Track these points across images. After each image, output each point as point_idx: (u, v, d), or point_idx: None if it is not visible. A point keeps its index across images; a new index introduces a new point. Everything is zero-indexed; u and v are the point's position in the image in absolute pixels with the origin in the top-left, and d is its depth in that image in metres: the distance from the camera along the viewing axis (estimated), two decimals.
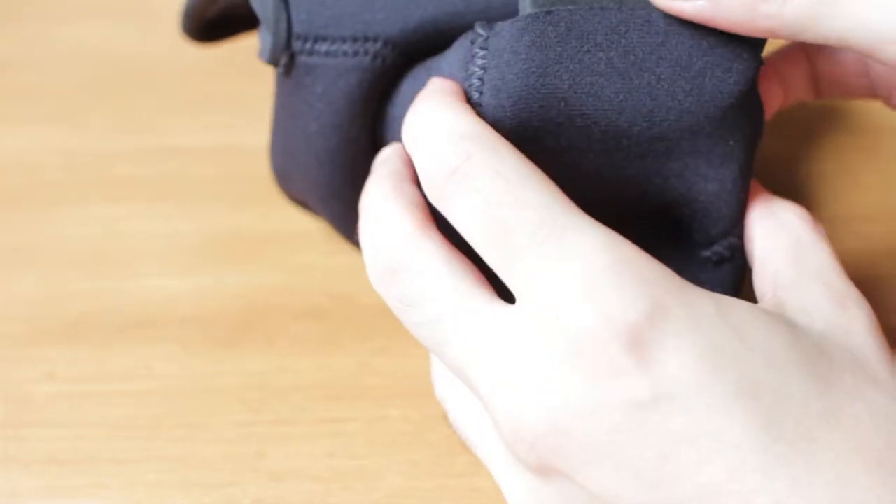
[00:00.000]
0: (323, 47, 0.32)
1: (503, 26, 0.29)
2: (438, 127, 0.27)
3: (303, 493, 0.33)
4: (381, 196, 0.29)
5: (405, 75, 0.33)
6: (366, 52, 0.32)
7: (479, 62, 0.29)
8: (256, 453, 0.34)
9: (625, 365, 0.24)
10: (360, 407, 0.35)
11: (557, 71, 0.28)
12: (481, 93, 0.28)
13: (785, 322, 0.26)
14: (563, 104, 0.28)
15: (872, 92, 0.34)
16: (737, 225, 0.30)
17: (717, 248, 0.30)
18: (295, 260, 0.40)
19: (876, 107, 0.46)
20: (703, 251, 0.31)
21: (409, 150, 0.28)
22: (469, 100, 0.29)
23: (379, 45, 0.32)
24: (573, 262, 0.25)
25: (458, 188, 0.26)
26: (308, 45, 0.32)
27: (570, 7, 0.28)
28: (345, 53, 0.32)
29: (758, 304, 0.27)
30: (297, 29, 0.32)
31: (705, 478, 0.23)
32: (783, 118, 0.45)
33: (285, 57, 0.32)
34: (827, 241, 0.29)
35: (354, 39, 0.32)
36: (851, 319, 0.27)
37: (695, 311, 0.25)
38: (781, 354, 0.25)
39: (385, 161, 0.30)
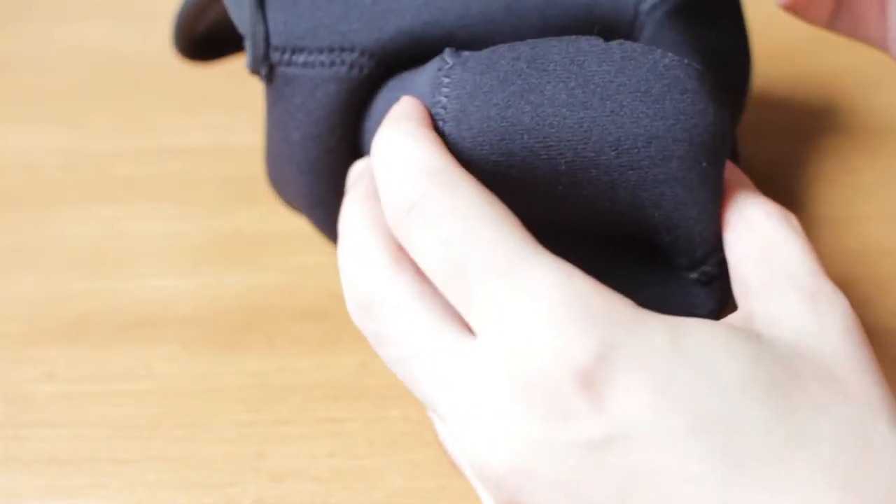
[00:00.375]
0: (300, 58, 0.32)
1: (468, 56, 0.29)
2: (399, 159, 0.27)
3: (303, 494, 0.33)
4: (355, 223, 0.29)
5: (381, 87, 0.33)
6: (342, 63, 0.32)
7: (445, 90, 0.29)
8: (257, 453, 0.34)
9: (578, 406, 0.24)
10: (360, 407, 0.35)
11: (519, 104, 0.28)
12: (445, 121, 0.29)
13: (747, 340, 0.25)
14: (525, 137, 0.28)
15: (884, 42, 0.33)
16: (720, 239, 0.30)
17: (704, 267, 0.30)
18: (295, 260, 0.40)
19: (876, 107, 0.46)
20: (690, 273, 0.30)
21: (375, 176, 0.28)
22: (435, 127, 0.29)
23: (355, 54, 0.32)
24: (525, 301, 0.25)
25: (414, 224, 0.26)
26: (286, 56, 0.32)
27: (530, 41, 0.29)
28: (321, 64, 0.32)
29: (724, 320, 0.27)
30: (274, 40, 0.32)
31: None
32: (782, 118, 0.45)
33: (265, 68, 0.33)
34: (799, 234, 0.28)
35: (331, 50, 0.32)
36: (823, 322, 0.26)
37: (647, 344, 0.24)
38: (739, 379, 0.24)
39: (359, 180, 0.31)
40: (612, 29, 0.33)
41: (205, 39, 0.41)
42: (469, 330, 0.26)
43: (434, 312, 0.27)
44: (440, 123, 0.29)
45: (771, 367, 0.24)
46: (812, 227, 0.41)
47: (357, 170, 0.32)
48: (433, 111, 0.29)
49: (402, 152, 0.27)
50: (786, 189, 0.42)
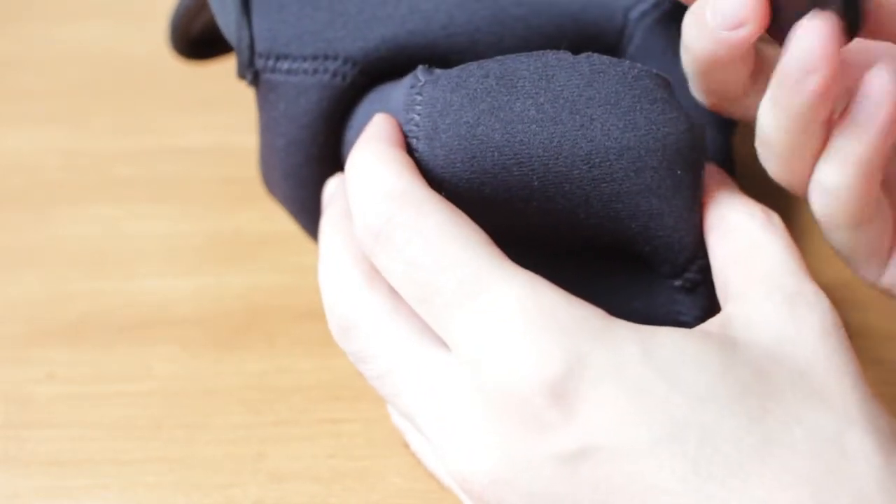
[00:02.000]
0: (285, 65, 0.32)
1: (440, 74, 0.29)
2: (367, 183, 0.28)
3: (303, 494, 0.33)
4: (332, 245, 0.29)
5: (362, 98, 0.33)
6: (325, 70, 0.32)
7: (417, 108, 0.29)
8: (257, 454, 0.34)
9: (550, 418, 0.24)
10: (360, 407, 0.35)
11: (489, 121, 0.28)
12: (418, 139, 0.29)
13: (719, 347, 0.25)
14: (497, 154, 0.28)
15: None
16: (702, 244, 0.30)
17: (687, 275, 0.30)
18: (295, 260, 0.40)
19: None
20: (674, 281, 0.30)
21: (348, 198, 0.29)
22: (408, 145, 0.29)
23: (339, 62, 0.32)
24: (494, 317, 0.25)
25: (382, 249, 0.27)
26: (270, 63, 0.32)
27: (499, 57, 0.29)
28: (305, 71, 0.32)
29: (701, 326, 0.27)
30: (259, 47, 0.32)
31: None
32: None
33: (250, 74, 0.33)
34: (782, 235, 0.28)
35: (315, 57, 0.32)
36: (800, 325, 0.26)
37: (617, 355, 0.24)
38: (711, 389, 0.24)
39: (334, 199, 0.31)
40: (601, 37, 0.32)
41: (201, 39, 0.41)
42: (445, 343, 0.27)
43: (409, 328, 0.27)
44: (413, 141, 0.29)
45: (743, 374, 0.24)
46: (809, 229, 0.41)
47: (330, 188, 0.32)
48: (406, 129, 0.29)
49: (371, 176, 0.28)
50: (785, 189, 0.42)
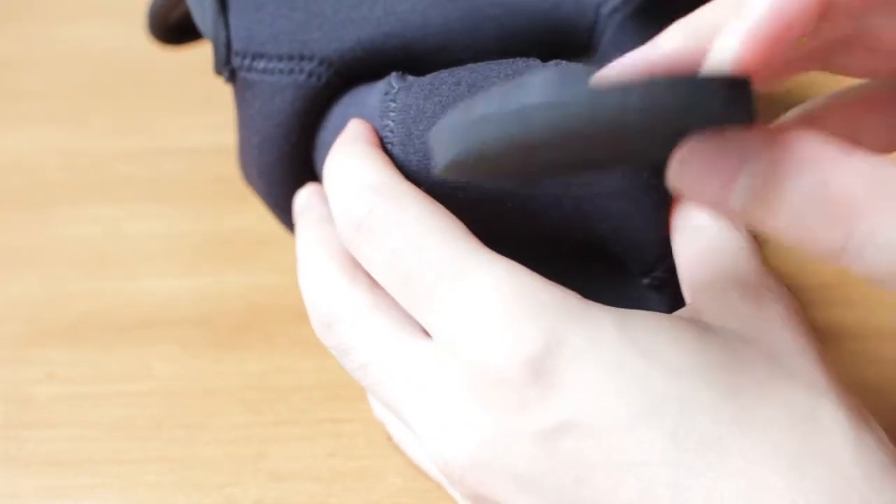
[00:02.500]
0: (261, 64, 0.32)
1: (413, 82, 0.29)
2: (346, 178, 0.28)
3: (303, 494, 0.33)
4: (310, 246, 0.30)
5: (338, 98, 0.33)
6: (301, 71, 0.32)
7: (391, 114, 0.29)
8: (257, 454, 0.34)
9: (530, 396, 0.24)
10: (360, 407, 0.35)
11: None
12: (393, 144, 0.29)
13: (693, 327, 0.26)
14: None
15: None
16: (669, 244, 0.30)
17: (655, 273, 0.30)
18: (295, 260, 0.40)
19: None
20: (643, 279, 0.31)
21: (328, 197, 0.29)
22: (384, 149, 0.30)
23: (314, 63, 0.32)
24: (472, 299, 0.25)
25: (364, 240, 0.27)
26: (247, 62, 0.32)
27: (470, 65, 0.29)
28: (281, 71, 0.32)
29: (672, 314, 0.27)
30: (236, 46, 0.32)
31: (622, 498, 0.24)
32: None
33: (226, 72, 0.33)
34: (742, 233, 0.28)
35: (290, 57, 0.32)
36: (766, 313, 0.26)
37: (593, 332, 0.25)
38: (687, 364, 0.24)
39: (307, 207, 0.32)
40: (572, 34, 0.33)
41: (179, 26, 0.41)
42: (425, 333, 0.27)
43: (389, 319, 0.28)
44: (389, 147, 0.29)
45: (717, 352, 0.25)
46: None
47: (303, 196, 0.33)
48: (382, 134, 0.30)
49: (350, 172, 0.28)
50: None
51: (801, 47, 0.25)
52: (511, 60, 0.29)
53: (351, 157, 0.29)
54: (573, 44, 0.33)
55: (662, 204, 0.29)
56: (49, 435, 0.35)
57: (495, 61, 0.29)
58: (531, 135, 0.20)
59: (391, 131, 0.29)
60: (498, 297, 0.25)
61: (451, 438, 0.26)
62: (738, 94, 0.20)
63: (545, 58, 0.31)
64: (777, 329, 0.26)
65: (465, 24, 0.32)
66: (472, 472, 0.25)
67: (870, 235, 0.20)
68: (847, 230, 0.20)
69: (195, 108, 0.47)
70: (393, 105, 0.29)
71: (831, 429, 0.24)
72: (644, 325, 0.25)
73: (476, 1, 0.32)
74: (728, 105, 0.20)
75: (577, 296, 0.26)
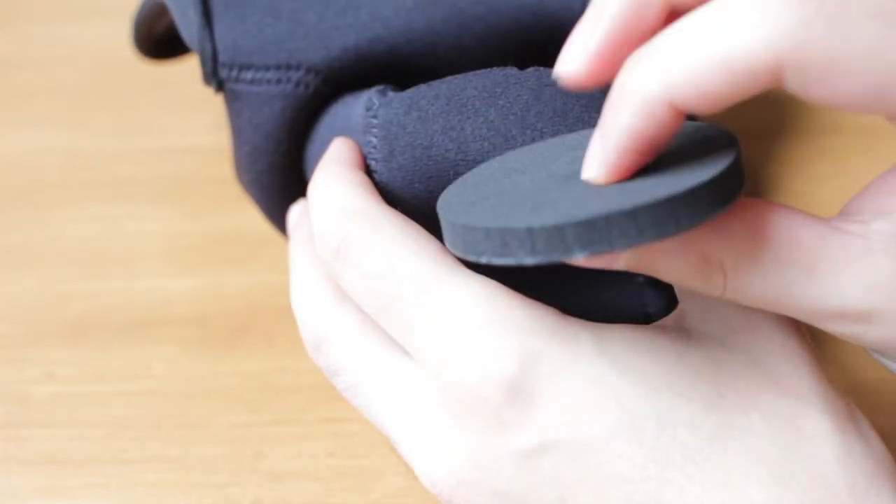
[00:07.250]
0: (248, 75, 0.32)
1: (393, 97, 0.29)
2: (325, 203, 0.29)
3: (302, 493, 0.33)
4: (301, 267, 0.30)
5: (326, 108, 0.33)
6: (288, 80, 0.32)
7: (374, 130, 0.30)
8: (256, 453, 0.34)
9: (508, 416, 0.24)
10: None
11: (442, 141, 0.28)
12: (376, 160, 0.29)
13: (672, 338, 0.25)
14: (452, 173, 0.28)
15: None
16: None
17: None
18: None
19: None
20: (637, 277, 0.31)
21: (311, 220, 0.30)
22: (367, 166, 0.30)
23: (301, 72, 0.32)
24: (448, 321, 0.25)
25: (342, 266, 0.28)
26: (234, 73, 0.33)
27: (448, 77, 0.29)
28: (268, 81, 0.32)
29: (655, 323, 0.27)
30: (222, 57, 0.33)
31: None
32: (782, 119, 0.45)
33: (214, 83, 0.33)
34: None
35: (278, 67, 0.32)
36: (752, 316, 0.26)
37: (570, 350, 0.25)
38: (665, 377, 0.24)
39: (300, 223, 0.32)
40: (559, 29, 0.33)
41: (165, 39, 0.41)
42: (407, 355, 0.27)
43: (375, 340, 0.28)
44: (372, 163, 0.30)
45: (697, 363, 0.25)
46: None
47: (295, 213, 0.33)
48: (365, 150, 0.30)
49: (328, 197, 0.29)
50: (785, 190, 0.42)
51: None
52: (488, 70, 0.29)
53: (329, 182, 0.29)
54: (559, 40, 0.33)
55: None
56: (48, 434, 0.35)
57: (472, 72, 0.29)
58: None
59: (374, 147, 0.30)
60: (473, 316, 0.25)
61: (435, 459, 0.26)
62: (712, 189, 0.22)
63: (532, 55, 0.31)
64: (764, 333, 0.26)
65: (449, 24, 0.32)
66: (458, 490, 0.26)
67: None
68: None
69: (195, 108, 0.47)
70: (374, 122, 0.30)
71: (815, 438, 0.24)
72: (622, 339, 0.25)
73: (459, 1, 0.32)
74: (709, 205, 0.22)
75: (555, 311, 0.26)
